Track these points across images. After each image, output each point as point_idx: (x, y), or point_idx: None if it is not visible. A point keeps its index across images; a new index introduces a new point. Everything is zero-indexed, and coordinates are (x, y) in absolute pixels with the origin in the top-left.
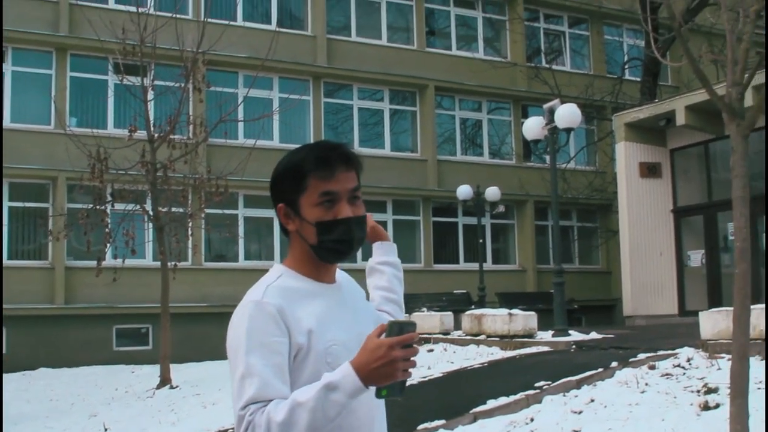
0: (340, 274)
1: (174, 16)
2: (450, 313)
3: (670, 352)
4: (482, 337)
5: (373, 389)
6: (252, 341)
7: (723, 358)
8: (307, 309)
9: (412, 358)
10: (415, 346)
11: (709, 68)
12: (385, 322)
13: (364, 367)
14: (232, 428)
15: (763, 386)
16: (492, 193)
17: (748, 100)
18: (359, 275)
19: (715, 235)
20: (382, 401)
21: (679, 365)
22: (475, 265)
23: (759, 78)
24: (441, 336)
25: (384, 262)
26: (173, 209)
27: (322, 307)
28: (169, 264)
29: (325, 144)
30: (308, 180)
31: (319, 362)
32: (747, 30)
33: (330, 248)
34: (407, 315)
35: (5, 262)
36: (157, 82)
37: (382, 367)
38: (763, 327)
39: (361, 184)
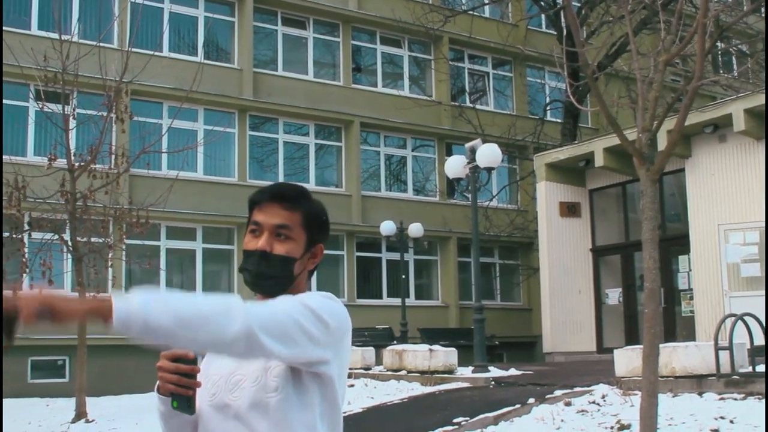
0: None
1: (98, 44)
2: (371, 348)
3: (585, 388)
4: (403, 372)
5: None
6: None
7: (636, 394)
8: None
9: (193, 379)
10: (197, 366)
11: (628, 112)
12: None
13: None
14: None
15: (674, 422)
16: (415, 229)
17: (662, 144)
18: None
19: (632, 273)
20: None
21: (594, 402)
22: (398, 301)
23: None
24: (362, 371)
25: None
26: (92, 240)
27: None
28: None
29: (277, 182)
30: (253, 210)
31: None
32: (657, 78)
33: (244, 277)
34: None
35: None
36: (78, 111)
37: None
38: (675, 365)
39: (307, 226)
